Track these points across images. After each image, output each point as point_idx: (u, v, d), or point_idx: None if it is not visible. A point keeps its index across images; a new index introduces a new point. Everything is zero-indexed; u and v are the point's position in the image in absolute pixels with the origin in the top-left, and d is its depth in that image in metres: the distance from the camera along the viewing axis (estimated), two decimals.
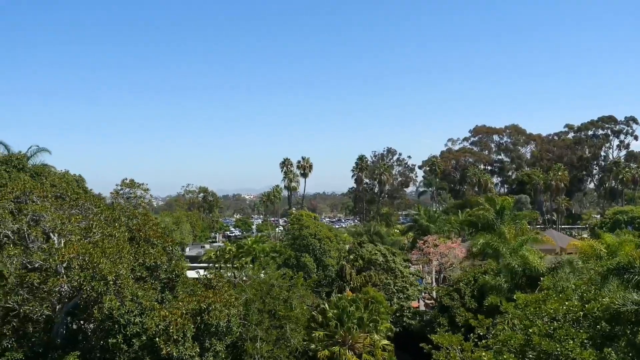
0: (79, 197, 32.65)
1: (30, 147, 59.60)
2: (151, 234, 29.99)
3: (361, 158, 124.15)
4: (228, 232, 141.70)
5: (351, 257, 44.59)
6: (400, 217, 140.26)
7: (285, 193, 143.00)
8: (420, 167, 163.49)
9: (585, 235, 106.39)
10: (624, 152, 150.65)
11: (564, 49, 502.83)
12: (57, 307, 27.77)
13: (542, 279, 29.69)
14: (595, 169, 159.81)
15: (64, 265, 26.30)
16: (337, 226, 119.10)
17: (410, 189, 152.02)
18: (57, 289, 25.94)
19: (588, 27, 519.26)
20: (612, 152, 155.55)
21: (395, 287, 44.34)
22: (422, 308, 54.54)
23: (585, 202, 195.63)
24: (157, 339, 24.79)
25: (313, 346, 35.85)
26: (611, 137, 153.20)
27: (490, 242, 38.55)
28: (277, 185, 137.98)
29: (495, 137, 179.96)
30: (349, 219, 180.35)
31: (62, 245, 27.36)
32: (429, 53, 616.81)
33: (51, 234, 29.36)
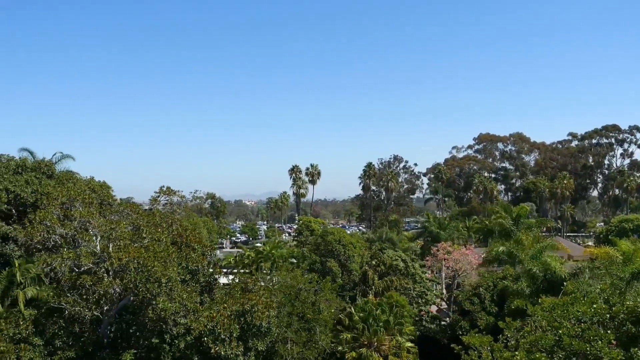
0: (120, 203, 34.17)
1: (54, 154, 61.04)
2: (192, 239, 31.45)
3: (369, 165, 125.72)
4: (234, 238, 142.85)
5: (373, 262, 46.01)
6: (405, 224, 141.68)
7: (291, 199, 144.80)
8: (424, 175, 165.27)
9: (590, 243, 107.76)
10: (627, 161, 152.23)
11: (568, 58, 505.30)
12: (105, 308, 29.21)
13: (565, 283, 31.10)
14: (599, 177, 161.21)
15: (118, 268, 27.74)
16: None
17: (416, 195, 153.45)
18: (109, 291, 27.37)
19: (592, 36, 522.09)
20: (616, 160, 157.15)
21: (415, 292, 45.73)
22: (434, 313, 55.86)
23: (587, 210, 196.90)
24: (205, 338, 26.20)
25: (340, 348, 37.21)
26: (615, 146, 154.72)
27: (511, 248, 39.97)
28: (285, 192, 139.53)
29: (500, 145, 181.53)
30: (352, 225, 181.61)
31: (110, 249, 28.82)
32: (433, 61, 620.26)
33: (94, 238, 30.88)
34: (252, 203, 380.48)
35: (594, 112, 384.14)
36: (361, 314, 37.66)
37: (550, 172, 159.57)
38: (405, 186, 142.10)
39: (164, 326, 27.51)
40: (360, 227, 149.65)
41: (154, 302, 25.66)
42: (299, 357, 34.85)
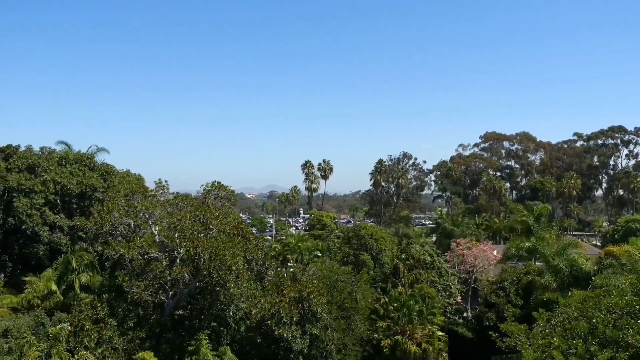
0: (176, 196, 36.68)
1: (90, 147, 63.61)
2: (247, 232, 33.96)
3: (380, 162, 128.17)
4: None
5: (403, 256, 48.55)
6: (414, 220, 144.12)
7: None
8: (430, 172, 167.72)
9: (597, 243, 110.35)
10: (632, 162, 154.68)
11: (575, 59, 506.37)
12: (170, 293, 31.76)
13: (593, 278, 33.61)
14: (604, 177, 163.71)
15: (186, 256, 30.25)
16: None
17: (424, 192, 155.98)
18: (178, 277, 29.88)
19: (599, 37, 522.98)
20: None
21: (440, 285, 48.29)
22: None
23: (590, 209, 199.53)
24: (268, 321, 28.75)
25: (376, 335, 39.77)
26: (620, 147, 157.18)
27: (537, 245, 42.50)
28: (295, 186, 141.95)
29: (506, 144, 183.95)
30: (357, 221, 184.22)
31: (177, 238, 31.29)
32: (440, 60, 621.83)
33: (155, 228, 33.39)
34: (254, 196, 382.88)
35: (599, 112, 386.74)
36: (395, 304, 40.17)
37: (556, 171, 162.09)
38: (414, 183, 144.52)
39: (225, 310, 30.02)
40: (368, 222, 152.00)
41: (224, 288, 28.13)
42: (339, 343, 37.39)
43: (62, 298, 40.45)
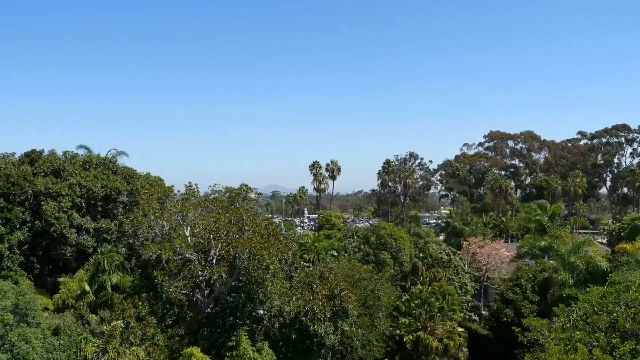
0: (206, 199, 38.09)
1: (109, 150, 65.04)
2: (277, 232, 35.34)
3: (388, 162, 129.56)
4: None
5: (421, 255, 49.95)
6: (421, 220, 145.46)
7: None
8: (435, 171, 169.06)
9: (603, 241, 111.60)
10: (637, 160, 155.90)
11: (578, 57, 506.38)
12: (206, 292, 33.18)
13: (610, 274, 34.99)
14: (608, 176, 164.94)
15: (219, 257, 31.67)
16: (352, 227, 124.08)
17: (431, 191, 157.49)
18: (214, 277, 31.29)
19: (602, 35, 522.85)
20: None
21: (457, 283, 49.65)
22: None
23: (593, 207, 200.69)
24: (303, 318, 30.13)
25: (398, 331, 41.16)
26: (625, 145, 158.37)
27: (552, 243, 43.88)
28: (303, 187, 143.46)
29: (510, 143, 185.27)
30: (362, 220, 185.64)
31: (212, 239, 32.69)
32: (443, 58, 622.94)
33: (186, 230, 34.81)
34: (255, 196, 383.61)
35: (603, 111, 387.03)
36: (417, 301, 41.57)
37: (560, 170, 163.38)
38: (421, 182, 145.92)
39: (260, 308, 31.41)
40: (371, 222, 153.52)
41: (262, 286, 29.50)
42: (363, 339, 38.76)
43: (94, 298, 41.96)
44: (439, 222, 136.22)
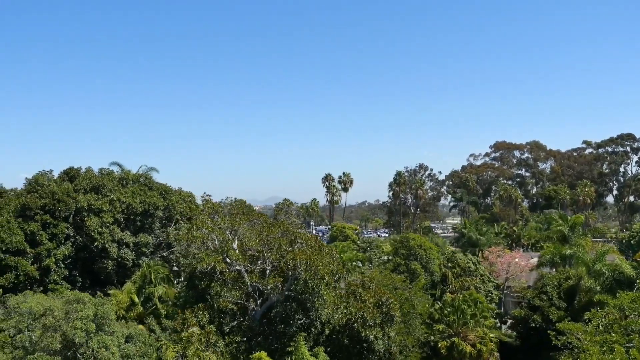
0: (252, 213, 40.39)
1: (140, 167, 67.46)
2: (322, 244, 37.56)
3: (399, 174, 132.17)
4: None
5: (449, 264, 52.14)
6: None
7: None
8: (443, 182, 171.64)
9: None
10: None
11: (581, 66, 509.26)
12: (259, 301, 35.34)
13: (637, 281, 37.15)
14: (615, 184, 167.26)
15: (271, 267, 33.91)
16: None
17: (441, 202, 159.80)
18: (270, 287, 33.47)
19: (606, 45, 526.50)
20: (631, 168, 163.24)
21: (483, 291, 51.74)
22: None
23: (599, 216, 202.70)
24: (355, 324, 32.27)
25: (432, 338, 43.19)
26: (630, 154, 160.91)
27: (577, 252, 46.06)
28: (314, 199, 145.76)
29: (516, 153, 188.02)
30: (370, 231, 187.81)
31: (265, 251, 34.92)
32: (447, 68, 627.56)
33: (234, 243, 37.02)
34: (259, 208, 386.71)
35: (607, 120, 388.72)
36: (449, 309, 43.66)
37: (567, 179, 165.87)
38: (431, 193, 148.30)
39: (312, 315, 33.53)
40: (378, 233, 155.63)
41: (318, 295, 31.67)
42: (400, 344, 40.81)
43: (142, 309, 44.09)
44: (447, 232, 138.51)
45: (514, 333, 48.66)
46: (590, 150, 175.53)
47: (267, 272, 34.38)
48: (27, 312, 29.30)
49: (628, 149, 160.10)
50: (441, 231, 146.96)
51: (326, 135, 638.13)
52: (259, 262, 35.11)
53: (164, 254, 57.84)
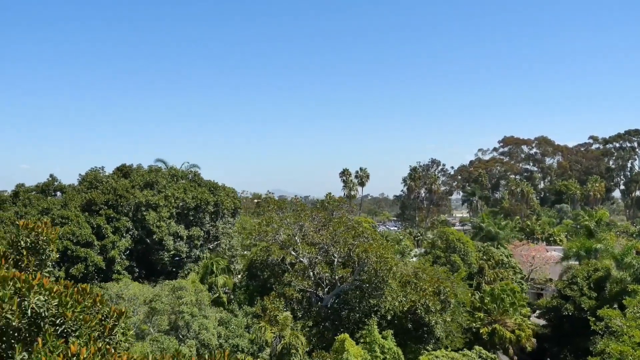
0: (313, 209, 43.97)
1: (183, 164, 71.14)
2: (379, 237, 41.20)
3: (414, 169, 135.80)
4: None
5: (484, 257, 55.80)
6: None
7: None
8: (453, 176, 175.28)
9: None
10: None
11: (588, 61, 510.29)
12: (327, 289, 38.98)
13: None
14: (622, 179, 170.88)
15: (340, 259, 37.48)
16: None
17: (454, 196, 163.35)
18: (338, 276, 37.10)
19: (615, 40, 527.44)
20: (639, 163, 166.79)
21: (516, 282, 55.40)
22: None
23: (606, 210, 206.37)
24: (418, 310, 35.94)
25: (474, 324, 46.88)
26: (637, 149, 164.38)
27: (605, 245, 49.74)
28: (330, 193, 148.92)
29: (524, 148, 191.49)
30: (379, 224, 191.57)
31: (333, 244, 38.50)
32: (453, 63, 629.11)
33: (298, 238, 40.56)
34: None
35: (614, 115, 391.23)
36: (489, 298, 47.35)
37: (575, 174, 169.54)
38: (443, 188, 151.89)
39: (378, 302, 37.19)
40: (388, 227, 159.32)
41: (386, 284, 35.35)
42: (446, 329, 44.50)
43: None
44: (456, 225, 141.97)
45: (542, 322, 52.30)
46: (597, 145, 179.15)
47: (335, 263, 37.98)
48: (132, 298, 32.84)
49: (635, 144, 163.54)
50: (474, 225, 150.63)
51: (328, 128, 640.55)
52: (323, 253, 38.68)
53: (210, 247, 61.62)
